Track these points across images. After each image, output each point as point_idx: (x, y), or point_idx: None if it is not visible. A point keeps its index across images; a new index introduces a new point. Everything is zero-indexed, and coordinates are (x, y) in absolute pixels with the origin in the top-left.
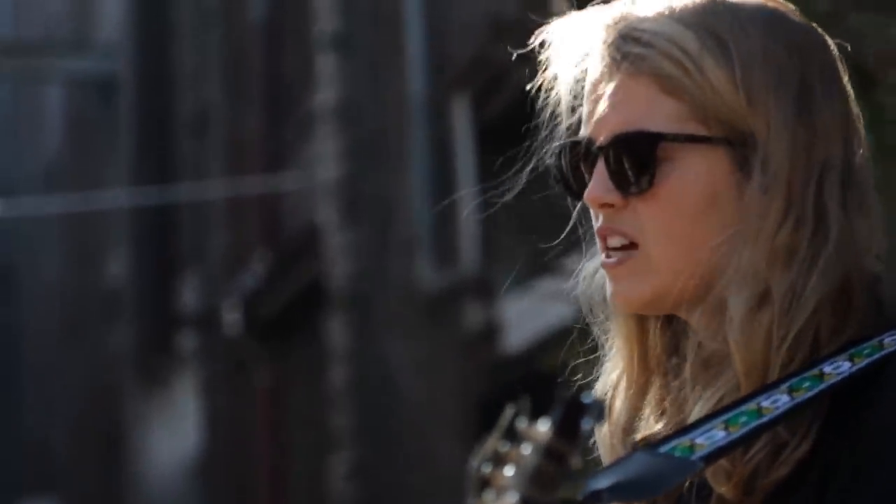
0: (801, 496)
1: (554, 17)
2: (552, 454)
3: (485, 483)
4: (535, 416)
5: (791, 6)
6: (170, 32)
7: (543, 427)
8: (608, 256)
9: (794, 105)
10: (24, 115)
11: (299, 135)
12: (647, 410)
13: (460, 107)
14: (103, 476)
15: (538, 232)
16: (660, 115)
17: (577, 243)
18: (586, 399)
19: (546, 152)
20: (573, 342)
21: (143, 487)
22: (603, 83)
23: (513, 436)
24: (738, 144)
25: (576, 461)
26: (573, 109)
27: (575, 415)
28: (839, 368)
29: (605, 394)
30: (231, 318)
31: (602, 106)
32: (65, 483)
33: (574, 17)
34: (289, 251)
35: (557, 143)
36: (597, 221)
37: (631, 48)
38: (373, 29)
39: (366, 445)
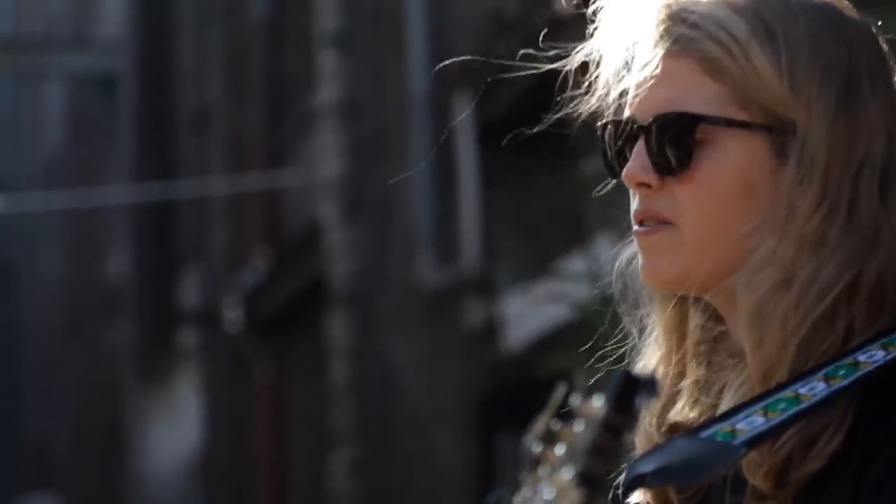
0: (836, 489)
1: (554, 15)
2: (608, 428)
3: (537, 462)
4: (534, 413)
5: (846, 2)
6: (171, 29)
7: (598, 403)
8: (640, 226)
9: (838, 96)
10: (25, 112)
11: (300, 132)
12: (683, 397)
13: (462, 104)
14: (103, 473)
15: (539, 229)
16: (702, 96)
17: (577, 240)
18: (641, 375)
19: (574, 125)
20: (574, 340)
21: (144, 484)
22: (649, 62)
23: (564, 415)
24: (778, 132)
25: (631, 436)
26: (617, 87)
27: (630, 390)
28: (873, 357)
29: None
30: (232, 314)
31: (646, 85)
32: (65, 480)
33: None
34: (290, 248)
35: (602, 122)
36: (633, 203)
37: (679, 29)
38: (374, 26)
39: (366, 443)
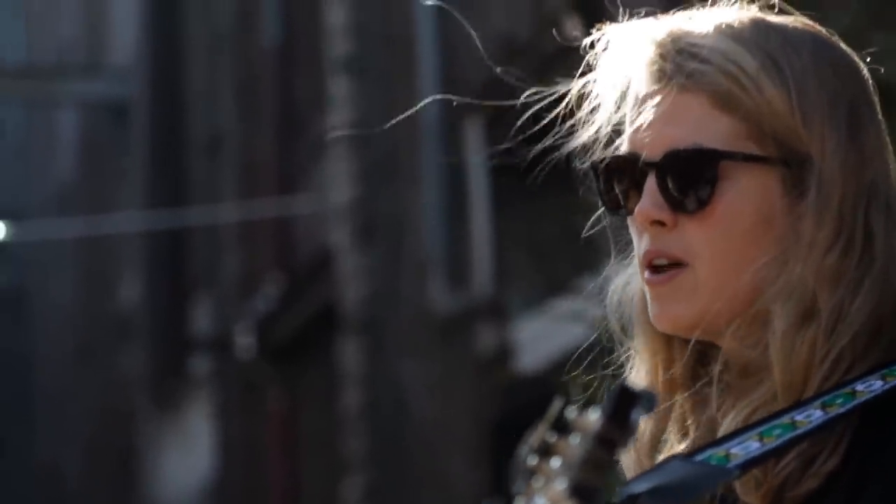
0: None
1: (564, 40)
2: (603, 441)
3: (532, 473)
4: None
5: (828, 32)
6: (182, 55)
7: (594, 416)
8: (653, 273)
9: (846, 127)
10: (37, 139)
11: (312, 157)
12: (670, 430)
13: (473, 129)
14: (116, 499)
15: (551, 254)
16: (715, 131)
17: (589, 265)
18: (638, 389)
19: (579, 159)
20: (586, 364)
21: None
22: (653, 97)
23: (560, 428)
24: (792, 164)
25: (625, 450)
26: (614, 122)
27: (626, 404)
28: (871, 386)
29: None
30: (244, 341)
31: (651, 120)
32: None
33: (625, 27)
34: (301, 274)
35: (599, 156)
36: (640, 241)
37: (687, 63)
38: (385, 51)
39: (379, 468)
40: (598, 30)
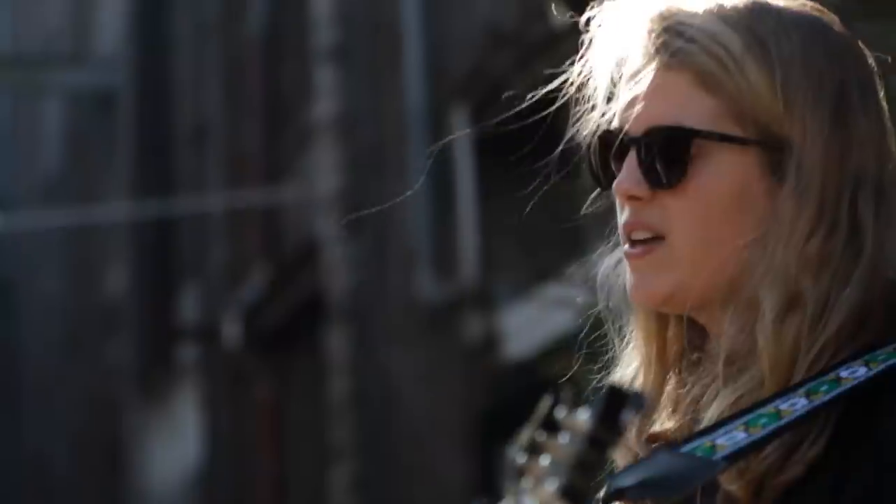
0: (813, 498)
1: (550, 29)
2: (594, 442)
3: (521, 473)
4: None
5: (834, 16)
6: (168, 45)
7: (584, 416)
8: (632, 247)
9: (831, 113)
10: (23, 129)
11: (298, 147)
12: (661, 407)
13: (459, 118)
14: (103, 490)
15: (537, 242)
16: (696, 110)
17: (575, 252)
18: (628, 389)
19: (574, 138)
20: (574, 351)
21: (144, 501)
22: (641, 74)
23: (549, 426)
24: (771, 148)
25: (615, 451)
26: (608, 98)
27: (617, 405)
28: (856, 373)
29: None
30: (231, 331)
31: (637, 97)
32: (65, 497)
33: (620, 5)
34: (288, 264)
35: (592, 131)
36: (622, 214)
37: (674, 41)
38: (371, 41)
39: (366, 458)
40: (592, 8)
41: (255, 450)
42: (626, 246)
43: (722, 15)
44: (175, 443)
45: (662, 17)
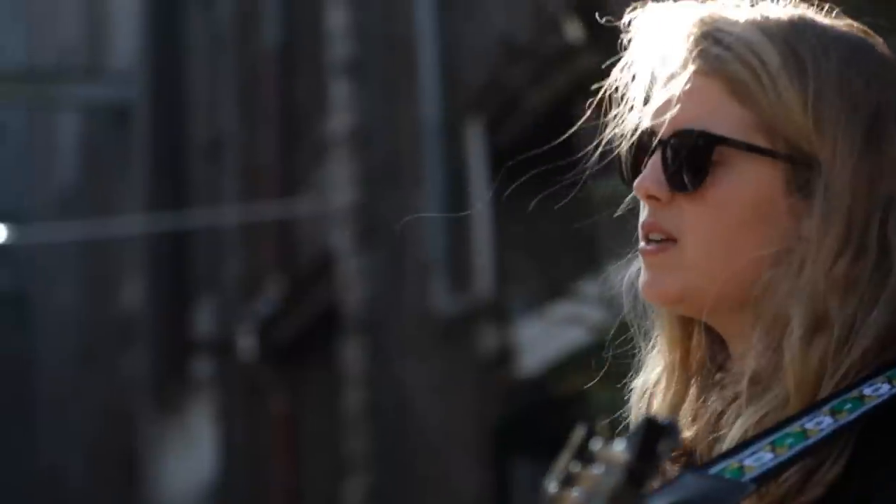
0: None
1: (564, 41)
2: (632, 475)
3: (554, 503)
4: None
5: (878, 38)
6: (183, 58)
7: (620, 448)
8: (647, 244)
9: (864, 135)
10: (39, 143)
11: (313, 160)
12: (682, 418)
13: (474, 131)
14: (118, 503)
15: (552, 255)
16: (725, 118)
17: (590, 268)
18: (664, 421)
19: (590, 153)
20: (589, 365)
21: None
22: (677, 78)
23: (582, 456)
24: (798, 163)
25: (651, 483)
26: (645, 100)
27: (653, 437)
28: (879, 390)
29: (646, 392)
30: (246, 343)
31: (669, 100)
32: None
33: (663, 7)
34: (303, 276)
35: (625, 131)
36: (642, 213)
37: (711, 48)
38: (386, 54)
39: (381, 470)
40: (633, 10)
41: (270, 462)
42: (642, 243)
43: (762, 26)
44: (190, 455)
45: (703, 22)
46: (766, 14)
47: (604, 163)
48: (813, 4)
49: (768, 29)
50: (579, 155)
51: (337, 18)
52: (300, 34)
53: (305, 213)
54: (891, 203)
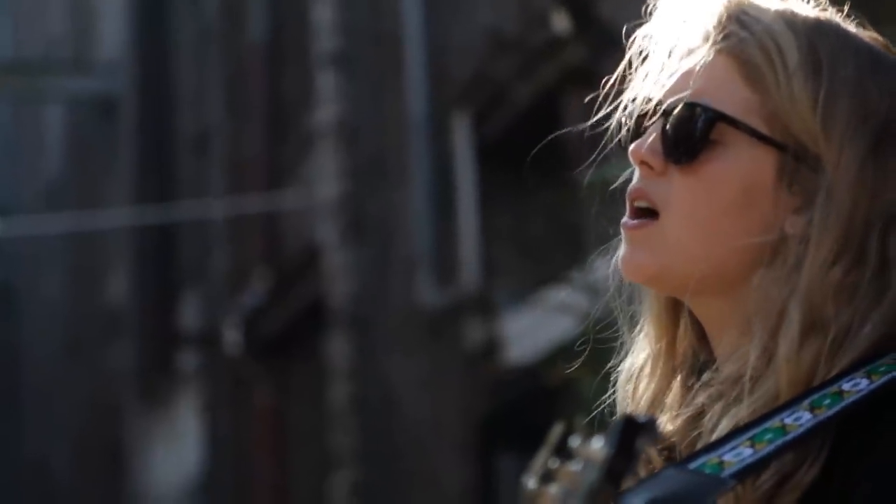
0: None
1: (551, 35)
2: (609, 471)
3: (534, 499)
4: (541, 433)
5: None
6: (170, 51)
7: (598, 445)
8: (630, 217)
9: (871, 146)
10: (25, 135)
11: (300, 153)
12: (665, 409)
13: (461, 124)
14: (104, 495)
15: (538, 248)
16: (731, 97)
17: (576, 258)
18: (642, 418)
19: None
20: (577, 355)
21: None
22: (694, 52)
23: (561, 453)
24: (795, 156)
25: (630, 480)
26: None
27: (631, 434)
28: (857, 386)
29: (633, 376)
30: (232, 336)
31: (682, 72)
32: (66, 501)
33: None
34: (289, 270)
35: (633, 97)
36: (634, 181)
37: (731, 27)
38: (373, 47)
39: (367, 464)
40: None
41: (256, 455)
42: (626, 217)
43: (787, 19)
44: (176, 448)
45: (730, 2)
46: (793, 10)
47: (592, 155)
48: (842, 11)
49: (793, 23)
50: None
51: (323, 11)
52: (287, 27)
53: (292, 206)
54: (893, 218)
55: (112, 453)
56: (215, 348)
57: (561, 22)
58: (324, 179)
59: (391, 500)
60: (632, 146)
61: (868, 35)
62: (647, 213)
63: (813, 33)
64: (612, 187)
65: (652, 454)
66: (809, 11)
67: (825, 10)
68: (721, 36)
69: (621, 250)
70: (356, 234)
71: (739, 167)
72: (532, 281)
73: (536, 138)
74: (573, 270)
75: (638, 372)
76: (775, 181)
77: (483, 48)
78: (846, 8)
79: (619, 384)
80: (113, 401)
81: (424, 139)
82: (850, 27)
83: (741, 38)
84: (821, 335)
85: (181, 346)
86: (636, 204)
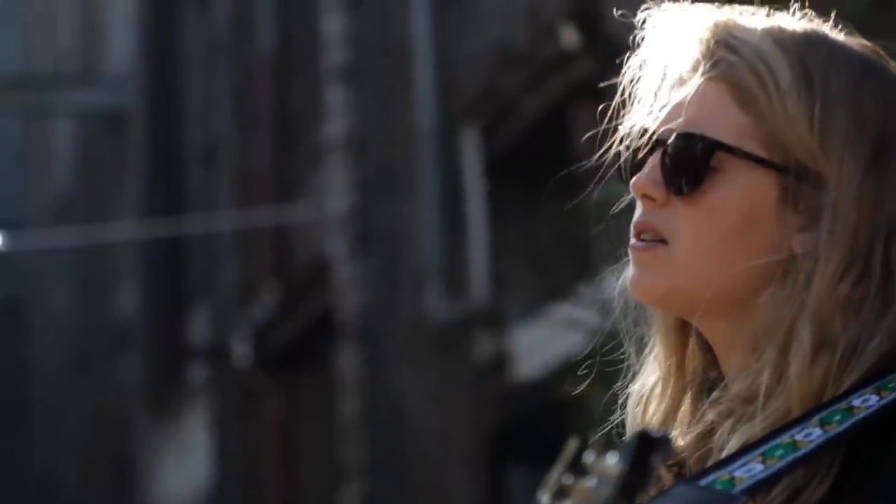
0: None
1: (560, 48)
2: (625, 488)
3: None
4: (552, 446)
5: (890, 60)
6: (178, 64)
7: (612, 461)
8: (638, 240)
9: (870, 156)
10: (34, 149)
11: (309, 166)
12: (676, 426)
13: (470, 138)
14: None
15: (547, 262)
16: (725, 124)
17: (586, 272)
18: (657, 434)
19: (584, 158)
20: (587, 370)
21: None
22: (684, 81)
23: (575, 469)
24: (796, 177)
25: (644, 496)
26: (653, 99)
27: (646, 450)
28: (868, 402)
29: (643, 398)
30: (241, 349)
31: (675, 103)
32: None
33: (679, 9)
34: (298, 283)
35: (631, 132)
36: (637, 213)
37: (720, 52)
38: (382, 60)
39: (377, 477)
40: (645, 12)
41: (265, 469)
42: (633, 240)
43: (775, 37)
44: (185, 461)
45: (717, 27)
46: (780, 26)
47: (602, 169)
48: (828, 21)
49: (781, 41)
50: (577, 164)
51: (333, 24)
52: (296, 40)
53: (301, 219)
54: (894, 226)
55: (120, 467)
56: (224, 361)
57: (569, 36)
58: (333, 192)
59: None
60: (633, 179)
61: (858, 43)
62: (654, 241)
63: (802, 48)
64: (620, 203)
65: (662, 471)
66: (797, 25)
67: (812, 20)
68: (710, 63)
69: (630, 272)
70: (365, 247)
71: (739, 193)
72: (541, 295)
73: (544, 152)
74: (582, 285)
75: (648, 393)
76: (778, 202)
77: (492, 62)
78: (833, 16)
79: (628, 407)
80: (121, 414)
81: (433, 152)
82: (840, 37)
83: (730, 62)
84: (830, 351)
85: (190, 360)
86: (643, 237)
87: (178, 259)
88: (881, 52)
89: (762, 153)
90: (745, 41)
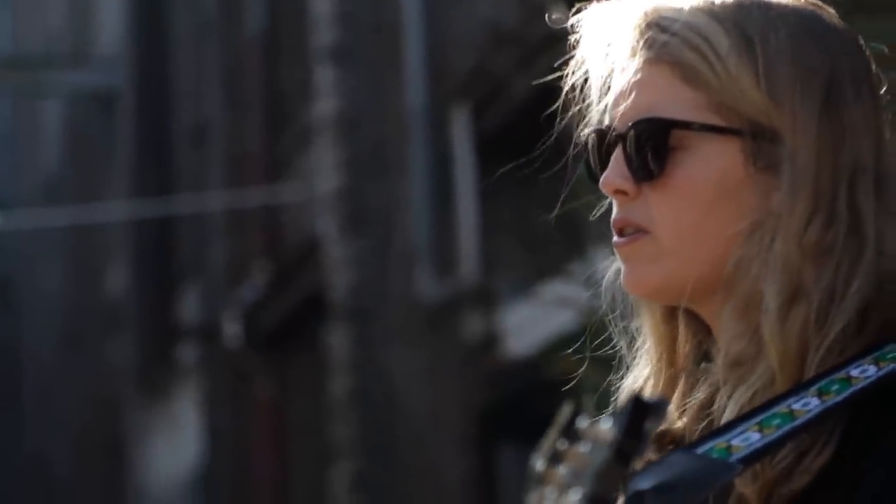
0: None
1: (550, 28)
2: (618, 452)
3: (541, 481)
4: (544, 422)
5: (830, 10)
6: (168, 45)
7: (607, 426)
8: (619, 237)
9: (821, 104)
10: (24, 129)
11: (299, 146)
12: (673, 408)
13: (460, 117)
14: (105, 489)
15: (538, 240)
16: (677, 102)
17: (577, 251)
18: (651, 399)
19: (575, 136)
20: (575, 349)
21: (145, 500)
22: (626, 70)
23: (569, 434)
24: (756, 138)
25: (638, 461)
26: (601, 96)
27: (640, 415)
28: (866, 372)
29: (637, 386)
30: (232, 329)
31: (622, 93)
32: (66, 496)
33: (604, 7)
34: (289, 263)
35: (586, 133)
36: (614, 212)
37: (656, 36)
38: (372, 40)
39: (367, 456)
40: (578, 12)
41: (256, 448)
42: (615, 237)
43: (707, 10)
44: (175, 441)
45: (647, 13)
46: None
47: (580, 148)
48: None
49: (713, 12)
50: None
51: (322, 4)
52: (285, 20)
53: (291, 199)
54: (856, 171)
55: (112, 447)
56: (215, 341)
57: (560, 15)
58: (323, 172)
59: (391, 492)
60: (601, 180)
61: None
62: (636, 233)
63: (735, 14)
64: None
65: (661, 445)
66: None
67: None
68: (647, 46)
69: (621, 270)
70: (355, 227)
71: (705, 166)
72: (532, 273)
73: (535, 131)
74: (573, 263)
75: (643, 383)
76: (745, 166)
77: (482, 41)
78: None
79: (620, 400)
80: (112, 394)
81: (423, 132)
82: None
83: (667, 42)
84: (804, 303)
85: (181, 340)
86: (624, 233)
87: (169, 239)
88: (818, 2)
89: (717, 121)
90: (678, 20)
